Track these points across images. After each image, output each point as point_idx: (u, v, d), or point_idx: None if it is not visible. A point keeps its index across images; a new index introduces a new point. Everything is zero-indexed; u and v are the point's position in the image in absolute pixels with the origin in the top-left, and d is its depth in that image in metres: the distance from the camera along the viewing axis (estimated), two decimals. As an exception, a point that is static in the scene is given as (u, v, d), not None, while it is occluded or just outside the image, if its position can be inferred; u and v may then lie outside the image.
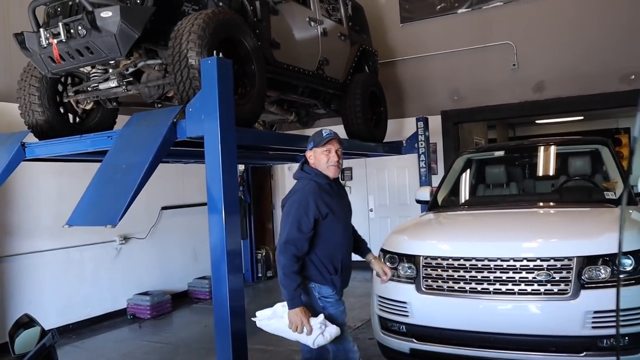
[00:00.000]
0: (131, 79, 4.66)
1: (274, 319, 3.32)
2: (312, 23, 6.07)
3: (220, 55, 3.83)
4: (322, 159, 3.35)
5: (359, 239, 3.77)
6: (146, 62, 4.52)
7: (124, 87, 4.66)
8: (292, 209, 3.24)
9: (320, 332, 3.18)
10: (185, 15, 4.31)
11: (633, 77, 7.87)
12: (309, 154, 3.44)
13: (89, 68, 4.68)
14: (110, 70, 4.63)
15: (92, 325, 6.94)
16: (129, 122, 4.17)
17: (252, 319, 3.43)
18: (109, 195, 3.69)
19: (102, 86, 4.75)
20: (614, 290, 3.54)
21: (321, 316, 3.22)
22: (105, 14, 3.86)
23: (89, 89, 4.86)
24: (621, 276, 3.60)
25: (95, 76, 4.73)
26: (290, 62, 5.58)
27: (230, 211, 3.71)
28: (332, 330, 3.23)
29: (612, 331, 3.47)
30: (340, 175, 3.47)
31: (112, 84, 4.67)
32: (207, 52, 3.97)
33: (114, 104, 5.16)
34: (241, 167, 9.01)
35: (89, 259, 7.04)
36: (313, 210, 3.20)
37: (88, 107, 5.17)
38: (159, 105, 4.99)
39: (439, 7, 9.19)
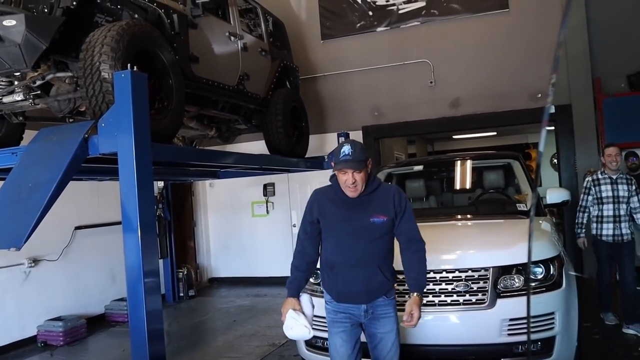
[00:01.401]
0: (39, 92, 4.42)
1: None
2: (232, 38, 6.01)
3: (135, 68, 3.71)
4: (340, 177, 3.15)
5: (408, 269, 3.24)
6: (55, 74, 4.29)
7: (31, 100, 4.41)
8: None
9: (290, 325, 3.21)
10: (98, 27, 4.14)
11: (539, 95, 8.34)
12: (333, 167, 3.21)
13: (-9, 80, 4.39)
14: (16, 83, 4.36)
15: (-3, 356, 6.45)
16: (36, 138, 3.94)
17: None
18: (12, 216, 3.45)
19: (6, 99, 4.46)
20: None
21: (291, 311, 3.22)
22: (9, 22, 3.63)
23: (-9, 102, 4.56)
24: (532, 284, 3.76)
25: (-2, 89, 4.44)
26: (210, 76, 5.49)
27: (147, 230, 3.57)
28: (299, 329, 3.20)
29: (526, 337, 3.62)
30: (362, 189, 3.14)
31: (18, 97, 4.41)
32: (121, 65, 3.83)
33: (20, 118, 4.87)
34: (160, 183, 8.75)
35: (-7, 285, 6.57)
36: (309, 212, 3.28)
37: (-9, 121, 4.85)
38: (71, 120, 4.75)
39: (358, 24, 9.39)
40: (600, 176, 5.70)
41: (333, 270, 3.22)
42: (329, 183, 3.32)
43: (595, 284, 5.93)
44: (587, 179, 5.85)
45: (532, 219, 1.01)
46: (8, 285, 6.72)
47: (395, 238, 3.28)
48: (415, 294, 3.15)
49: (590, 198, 5.74)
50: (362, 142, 9.18)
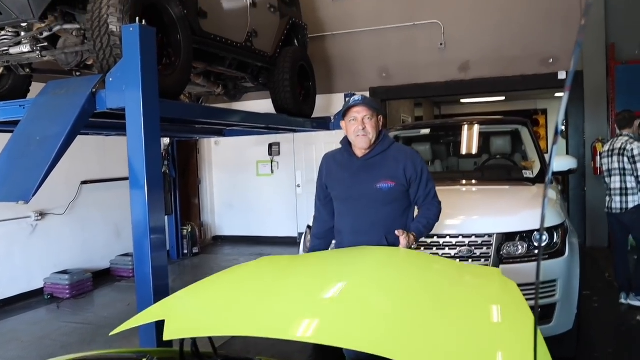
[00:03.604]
0: (46, 44, 4.35)
1: None
2: (241, -7, 5.89)
3: (144, 22, 3.64)
4: (349, 129, 3.03)
5: (419, 216, 3.11)
6: (62, 26, 4.22)
7: (38, 52, 4.35)
8: None
9: None
10: (105, -22, 4.05)
11: (551, 60, 8.22)
12: (342, 125, 3.12)
13: (-3, 30, 4.33)
14: (23, 34, 4.30)
15: (5, 307, 6.53)
16: (44, 91, 3.91)
17: None
18: (21, 169, 3.46)
19: (12, 50, 4.40)
20: (529, 265, 3.72)
21: None
22: (16, -28, 3.56)
23: (-3, 53, 4.51)
24: (536, 251, 3.78)
25: (4, 39, 4.37)
26: (218, 32, 5.40)
27: (153, 186, 3.58)
28: None
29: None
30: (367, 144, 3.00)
31: (25, 48, 4.35)
32: (129, 19, 3.77)
33: (27, 70, 4.82)
34: (166, 140, 8.73)
35: (0, 237, 6.63)
36: (319, 177, 3.23)
37: (-3, 73, 4.81)
38: (78, 74, 4.70)
39: (369, -17, 9.18)
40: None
41: (340, 235, 3.15)
42: (339, 146, 3.20)
43: (614, 256, 5.53)
44: (637, 144, 5.23)
45: (547, 185, 1.00)
46: (15, 238, 6.79)
47: (405, 204, 3.10)
48: (412, 233, 2.97)
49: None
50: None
